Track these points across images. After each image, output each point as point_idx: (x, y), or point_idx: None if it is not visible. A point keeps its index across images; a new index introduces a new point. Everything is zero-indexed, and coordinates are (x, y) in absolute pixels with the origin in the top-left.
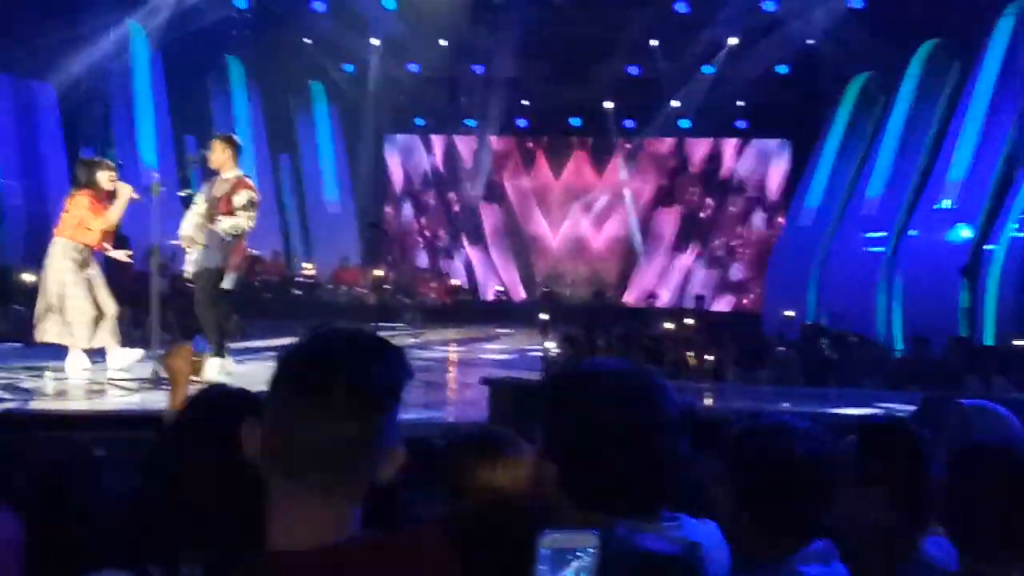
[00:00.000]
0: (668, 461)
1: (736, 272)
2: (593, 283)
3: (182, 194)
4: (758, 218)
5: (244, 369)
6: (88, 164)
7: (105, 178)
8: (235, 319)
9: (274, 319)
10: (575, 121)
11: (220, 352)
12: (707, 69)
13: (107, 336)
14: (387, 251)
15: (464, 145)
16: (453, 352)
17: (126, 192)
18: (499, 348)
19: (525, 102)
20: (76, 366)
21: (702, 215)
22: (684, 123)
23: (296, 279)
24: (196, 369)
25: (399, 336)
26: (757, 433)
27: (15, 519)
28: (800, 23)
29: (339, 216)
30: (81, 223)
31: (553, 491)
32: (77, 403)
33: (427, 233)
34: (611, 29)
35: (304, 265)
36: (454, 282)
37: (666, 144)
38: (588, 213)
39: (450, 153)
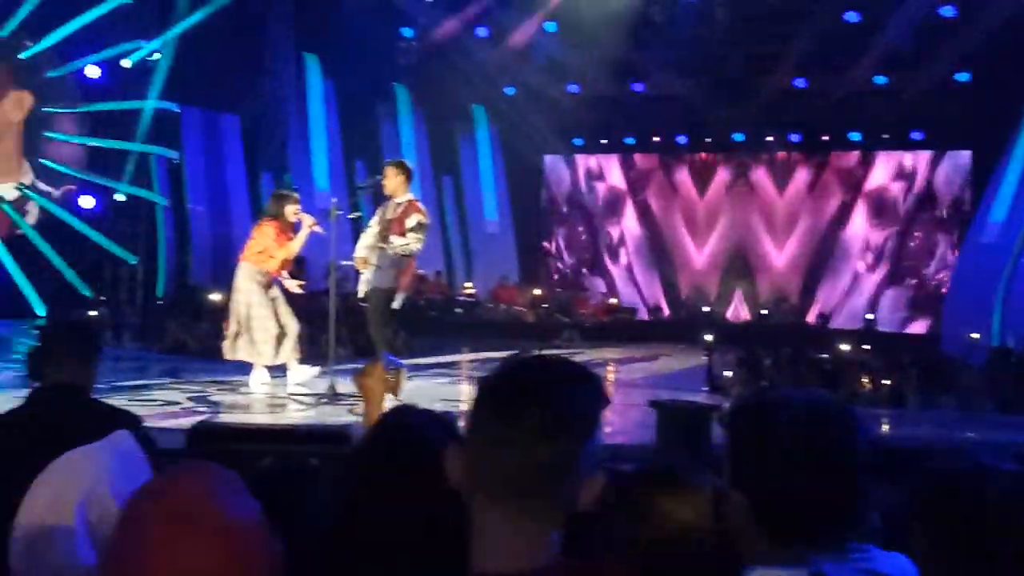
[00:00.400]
0: (859, 492)
1: (911, 291)
2: (757, 302)
3: (352, 217)
4: (938, 234)
5: (411, 385)
6: (277, 197)
7: (291, 211)
8: (401, 336)
9: (437, 337)
10: (738, 137)
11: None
12: (880, 79)
13: (289, 353)
14: (549, 271)
15: (623, 163)
16: (615, 372)
17: (308, 224)
18: (661, 368)
19: (686, 119)
20: (259, 381)
21: (881, 232)
22: (855, 136)
23: (457, 298)
24: (390, 387)
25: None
26: (952, 477)
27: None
28: (979, 27)
29: (498, 236)
30: (265, 251)
31: (744, 524)
32: (262, 416)
33: (583, 252)
34: (776, 42)
35: (465, 284)
36: (612, 301)
37: (849, 158)
38: (747, 230)
39: (609, 171)
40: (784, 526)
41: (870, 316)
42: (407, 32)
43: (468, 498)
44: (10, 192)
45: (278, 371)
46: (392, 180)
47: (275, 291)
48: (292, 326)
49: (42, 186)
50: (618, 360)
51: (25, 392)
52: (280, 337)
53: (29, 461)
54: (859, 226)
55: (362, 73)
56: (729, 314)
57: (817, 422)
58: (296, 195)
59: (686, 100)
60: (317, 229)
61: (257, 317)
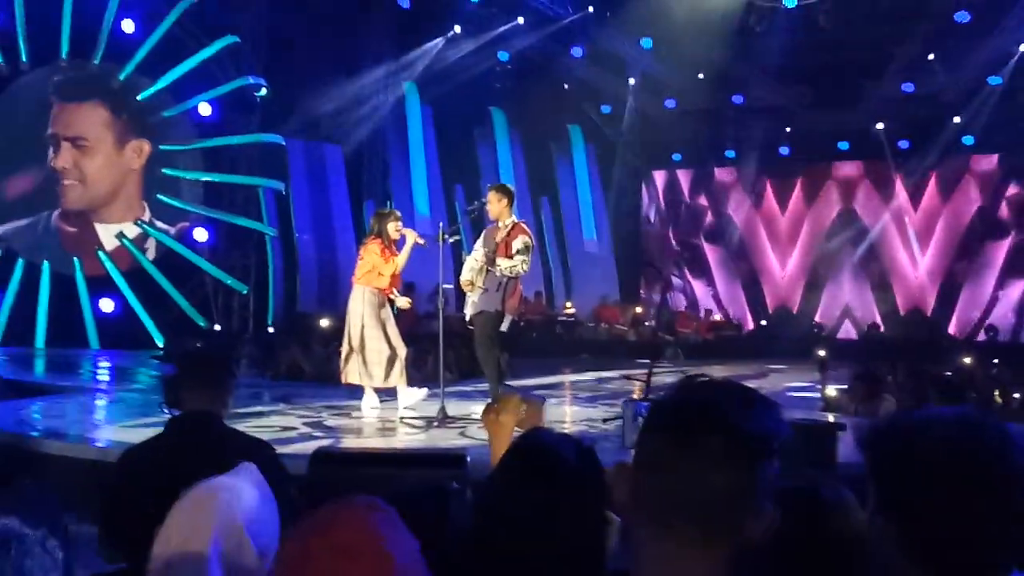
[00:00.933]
0: (1015, 515)
1: None
2: (864, 316)
3: (451, 240)
4: None
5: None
6: (379, 215)
7: (393, 227)
8: (505, 358)
9: (538, 358)
10: (843, 145)
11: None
12: (994, 80)
13: (399, 376)
14: (661, 289)
15: (724, 176)
16: None
17: (411, 237)
18: (772, 385)
19: (789, 129)
20: (370, 405)
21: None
22: (968, 140)
23: (558, 318)
24: (525, 421)
25: (664, 373)
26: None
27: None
28: None
29: (597, 255)
30: (374, 269)
31: (890, 552)
32: (375, 440)
33: (685, 268)
34: (882, 47)
35: (565, 304)
36: (716, 317)
37: (986, 162)
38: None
39: (707, 185)
40: (939, 554)
41: (993, 325)
42: (502, 56)
43: (634, 522)
44: (131, 229)
45: (388, 395)
46: (496, 204)
47: (386, 312)
48: (401, 349)
49: (159, 223)
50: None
51: (148, 419)
52: (391, 359)
53: (168, 488)
54: (996, 233)
55: (459, 98)
56: (840, 330)
57: (971, 440)
58: (397, 212)
59: (788, 110)
60: (420, 242)
61: (369, 339)
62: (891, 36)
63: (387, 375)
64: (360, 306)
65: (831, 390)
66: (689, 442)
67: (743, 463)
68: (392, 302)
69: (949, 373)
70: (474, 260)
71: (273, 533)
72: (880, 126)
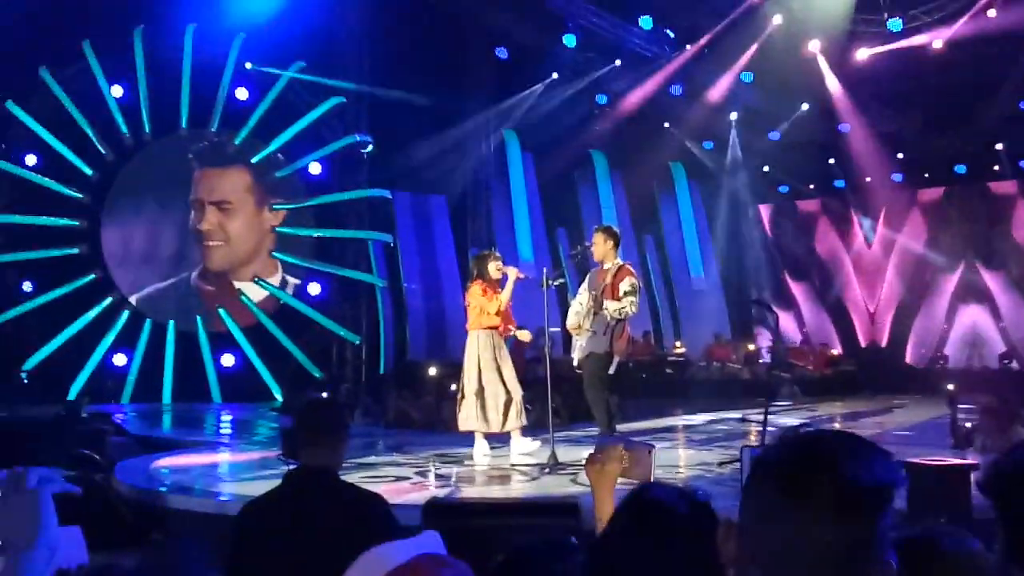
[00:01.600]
0: None
1: None
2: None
3: (556, 284)
4: None
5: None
6: (478, 258)
7: (493, 267)
8: (615, 400)
9: (648, 399)
10: (960, 169)
11: (612, 430)
12: None
13: (515, 419)
14: (773, 324)
15: (834, 205)
16: (849, 428)
17: (512, 273)
18: (898, 421)
19: (901, 155)
20: (482, 452)
21: None
22: None
23: (668, 358)
24: (630, 471)
25: (781, 413)
26: None
27: None
28: None
29: (705, 292)
30: (482, 310)
31: None
32: (488, 489)
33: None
34: (996, 67)
35: (675, 344)
36: (833, 352)
37: None
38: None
39: (814, 215)
40: None
41: None
42: (600, 99)
43: None
44: (254, 290)
45: (498, 441)
46: (601, 246)
47: (503, 355)
48: (518, 392)
49: (289, 278)
50: (848, 414)
51: (266, 471)
52: (507, 403)
53: (287, 542)
54: None
55: (559, 143)
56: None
57: None
58: (496, 252)
59: (899, 136)
60: (522, 276)
61: (487, 382)
62: (1006, 57)
63: (504, 420)
64: (475, 350)
65: (962, 425)
66: (799, 495)
67: (857, 516)
68: (512, 337)
69: None
70: (579, 304)
71: None
72: (999, 146)
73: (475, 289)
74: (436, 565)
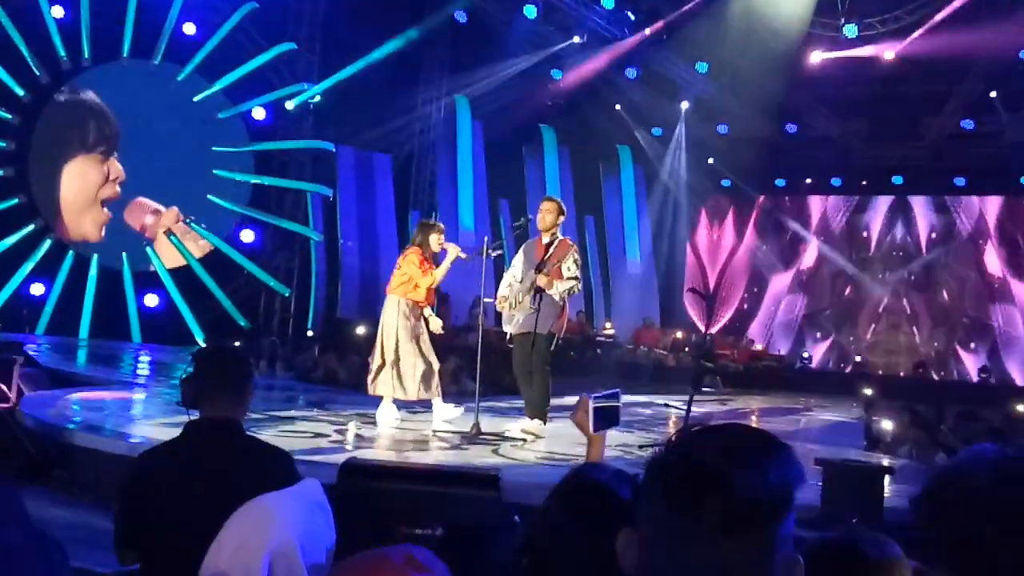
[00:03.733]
0: None
1: None
2: (910, 354)
3: (495, 255)
4: None
5: (549, 428)
6: (423, 226)
7: (435, 240)
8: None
9: (573, 377)
10: (897, 179)
11: (544, 415)
12: None
13: (435, 390)
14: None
15: (773, 205)
16: (766, 422)
17: (453, 251)
18: (813, 421)
19: (842, 161)
20: (389, 416)
21: None
22: None
23: (597, 338)
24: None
25: (704, 401)
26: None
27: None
28: None
29: (640, 276)
30: (411, 280)
31: None
32: (407, 454)
33: (730, 295)
34: (942, 84)
35: (605, 324)
36: (757, 347)
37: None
38: (908, 277)
39: (761, 213)
40: None
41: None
42: (556, 74)
43: None
44: (179, 227)
45: (423, 406)
46: (551, 216)
47: (421, 326)
48: (436, 363)
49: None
50: (766, 409)
51: (180, 418)
52: (426, 374)
53: (184, 493)
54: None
55: (509, 114)
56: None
57: None
58: (441, 225)
59: (843, 142)
60: (463, 256)
61: (404, 352)
62: (952, 72)
63: (421, 389)
64: (395, 317)
65: (879, 430)
66: (690, 508)
67: (751, 528)
68: (427, 320)
69: (989, 418)
70: (512, 277)
71: (326, 552)
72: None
73: (412, 257)
74: (408, 566)
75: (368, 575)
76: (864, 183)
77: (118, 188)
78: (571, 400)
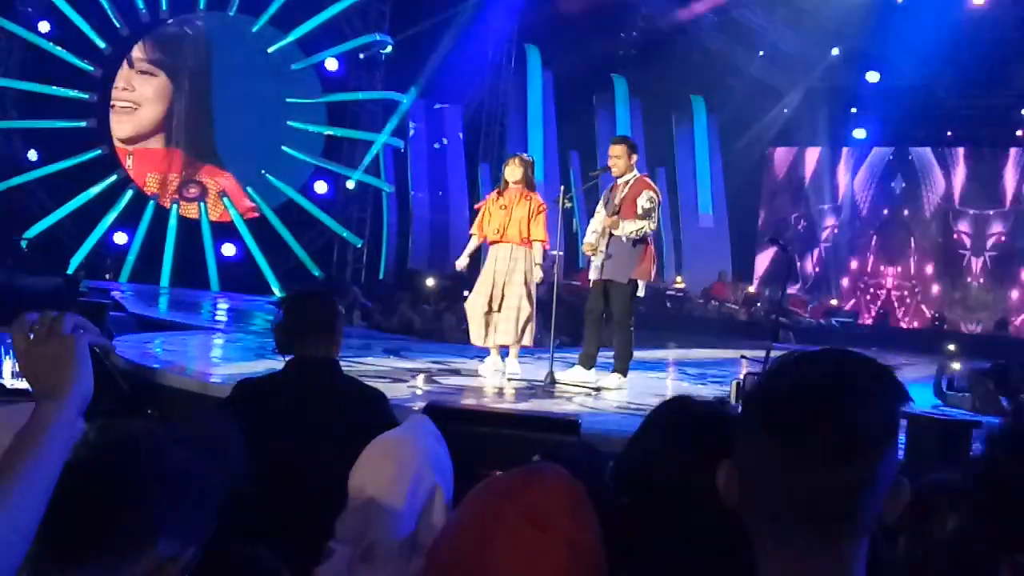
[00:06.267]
0: None
1: None
2: (991, 311)
3: (567, 206)
4: None
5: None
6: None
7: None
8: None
9: (645, 331)
10: (988, 129)
11: (624, 368)
12: None
13: (518, 335)
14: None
15: (850, 157)
16: None
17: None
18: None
19: (926, 111)
20: (492, 366)
21: None
22: None
23: (667, 292)
24: None
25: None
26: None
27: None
28: None
29: (712, 230)
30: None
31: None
32: (485, 400)
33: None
34: None
35: (675, 278)
36: (832, 302)
37: None
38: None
39: (832, 166)
40: None
41: None
42: (631, 22)
43: (750, 521)
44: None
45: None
46: (624, 159)
47: (517, 272)
48: (525, 309)
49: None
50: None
51: (262, 360)
52: (520, 319)
53: (282, 423)
54: None
55: (581, 63)
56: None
57: None
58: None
59: (927, 91)
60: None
61: (508, 296)
62: None
63: (519, 334)
64: (498, 264)
65: (959, 385)
66: (797, 438)
67: (864, 454)
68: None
69: None
70: (598, 222)
71: (452, 477)
72: None
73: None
74: (563, 481)
75: (528, 482)
76: (949, 134)
77: None
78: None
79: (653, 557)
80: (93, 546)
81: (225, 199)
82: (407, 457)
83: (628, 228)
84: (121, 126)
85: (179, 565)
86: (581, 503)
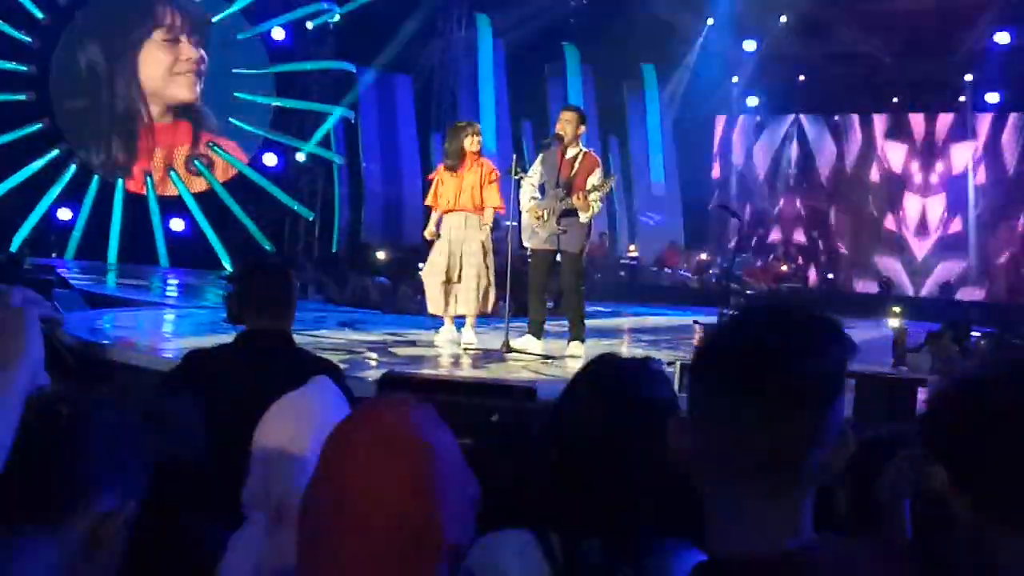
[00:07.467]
0: None
1: None
2: (939, 275)
3: (516, 177)
4: None
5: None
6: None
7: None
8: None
9: (597, 300)
10: (926, 96)
11: (582, 335)
12: None
13: (478, 305)
14: (736, 234)
15: (806, 126)
16: None
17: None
18: None
19: (872, 78)
20: (447, 335)
21: None
22: None
23: (620, 260)
24: None
25: None
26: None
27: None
28: None
29: (664, 198)
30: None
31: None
32: (440, 370)
33: (754, 217)
34: None
35: (629, 247)
36: (782, 268)
37: None
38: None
39: (786, 134)
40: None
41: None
42: None
43: (699, 474)
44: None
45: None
46: (572, 125)
47: (471, 243)
48: (479, 280)
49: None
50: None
51: (214, 334)
52: (480, 288)
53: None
54: None
55: (531, 32)
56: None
57: None
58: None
59: (873, 59)
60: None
61: (466, 267)
62: None
63: (480, 303)
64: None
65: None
66: (749, 388)
67: (812, 405)
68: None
69: None
70: (531, 187)
71: None
72: (968, 78)
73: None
74: (406, 404)
75: (372, 410)
76: (895, 101)
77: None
78: (601, 323)
79: (582, 512)
80: (27, 508)
81: (172, 173)
82: (307, 412)
83: (584, 218)
84: None
85: (120, 519)
86: (432, 422)
